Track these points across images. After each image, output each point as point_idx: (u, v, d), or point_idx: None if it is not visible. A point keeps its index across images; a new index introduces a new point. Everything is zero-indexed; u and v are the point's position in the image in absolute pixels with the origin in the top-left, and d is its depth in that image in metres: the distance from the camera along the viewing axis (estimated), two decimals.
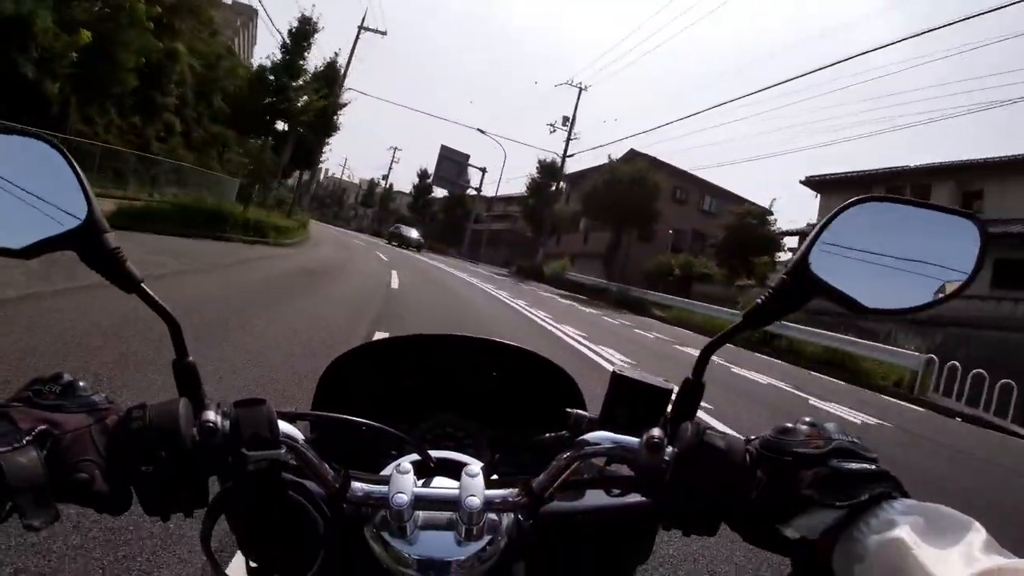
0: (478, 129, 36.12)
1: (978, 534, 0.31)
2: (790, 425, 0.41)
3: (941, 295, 0.41)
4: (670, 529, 0.42)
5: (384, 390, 0.70)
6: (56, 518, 0.34)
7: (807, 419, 0.42)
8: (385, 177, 68.37)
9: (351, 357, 0.69)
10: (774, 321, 0.44)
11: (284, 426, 0.42)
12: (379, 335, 1.59)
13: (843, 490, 0.36)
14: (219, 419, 0.40)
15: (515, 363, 0.72)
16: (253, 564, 0.46)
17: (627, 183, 24.78)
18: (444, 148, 39.04)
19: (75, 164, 0.43)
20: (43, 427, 0.36)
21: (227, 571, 0.47)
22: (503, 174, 43.15)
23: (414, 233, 35.15)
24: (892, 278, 0.42)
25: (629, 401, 0.51)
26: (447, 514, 0.44)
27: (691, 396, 0.46)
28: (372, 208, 69.39)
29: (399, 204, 65.61)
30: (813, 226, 0.46)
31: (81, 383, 0.40)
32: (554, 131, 31.23)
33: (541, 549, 0.49)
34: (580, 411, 0.52)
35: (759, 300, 0.44)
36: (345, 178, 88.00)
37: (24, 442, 0.34)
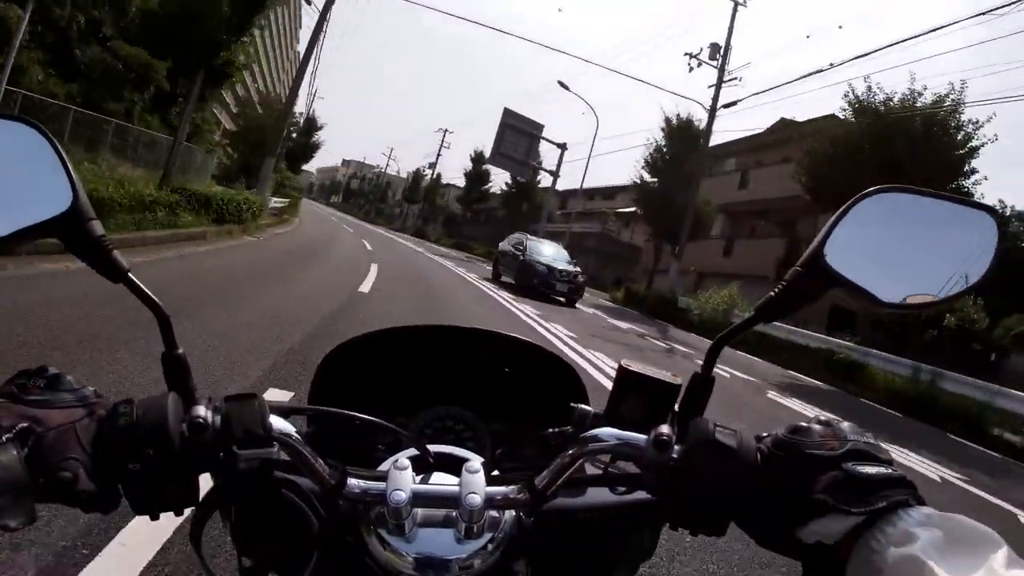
0: (559, 83, 24.28)
1: (1000, 548, 0.30)
2: (804, 424, 0.40)
3: (956, 290, 0.41)
4: (677, 529, 0.41)
5: (383, 383, 0.68)
6: (33, 519, 0.34)
7: (822, 418, 0.41)
8: (432, 165, 56.75)
9: (348, 349, 0.67)
10: (786, 314, 0.43)
11: (277, 421, 0.41)
12: None
13: (859, 496, 0.35)
14: (209, 415, 0.39)
15: (517, 356, 0.70)
16: (247, 563, 0.44)
17: (921, 133, 11.65)
18: (508, 113, 27.15)
19: (60, 148, 0.42)
20: (24, 424, 0.35)
21: (219, 571, 0.42)
22: (592, 150, 31.13)
23: (549, 251, 14.01)
24: (907, 271, 0.42)
25: (635, 396, 0.50)
26: (446, 511, 0.43)
27: (700, 392, 0.45)
28: (417, 204, 58.76)
29: (448, 199, 54.67)
30: None
31: (68, 377, 0.39)
32: (696, 67, 18.33)
33: (543, 547, 0.48)
34: (584, 406, 0.51)
35: (771, 293, 0.44)
36: (391, 172, 78.21)
37: (3, 440, 0.34)
